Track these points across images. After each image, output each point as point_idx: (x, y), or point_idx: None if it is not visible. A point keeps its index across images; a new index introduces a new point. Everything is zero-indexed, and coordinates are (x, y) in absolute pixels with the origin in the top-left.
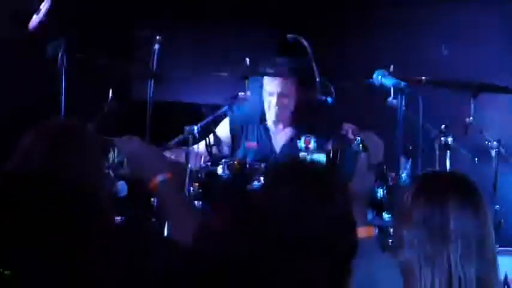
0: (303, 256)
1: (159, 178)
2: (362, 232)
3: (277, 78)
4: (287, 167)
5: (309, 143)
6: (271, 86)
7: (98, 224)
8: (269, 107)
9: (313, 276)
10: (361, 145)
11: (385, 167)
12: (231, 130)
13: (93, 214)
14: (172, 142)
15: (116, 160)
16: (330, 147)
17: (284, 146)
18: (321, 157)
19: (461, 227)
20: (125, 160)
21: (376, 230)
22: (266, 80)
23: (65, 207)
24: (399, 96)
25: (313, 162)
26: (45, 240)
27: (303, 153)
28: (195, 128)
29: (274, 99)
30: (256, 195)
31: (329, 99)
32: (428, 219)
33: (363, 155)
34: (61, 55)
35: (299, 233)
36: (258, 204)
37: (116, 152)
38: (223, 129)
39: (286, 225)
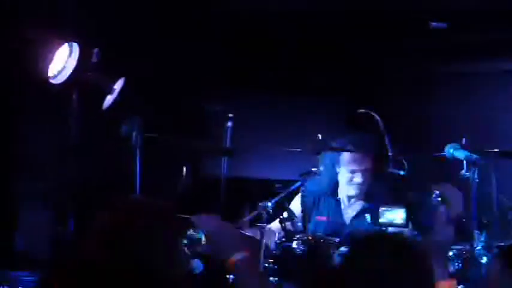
0: None
1: (237, 256)
2: (443, 286)
3: (359, 155)
4: (368, 241)
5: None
6: (353, 164)
7: None
8: (349, 183)
9: None
10: (440, 198)
11: (464, 220)
12: (302, 204)
13: None
14: (247, 218)
15: (193, 238)
16: (409, 200)
17: (353, 220)
18: (401, 211)
19: None
20: (203, 237)
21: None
22: (347, 156)
23: None
24: (472, 169)
25: (393, 234)
26: None
27: (383, 208)
28: (269, 204)
29: (357, 178)
30: (338, 270)
31: (401, 172)
32: None
33: (442, 207)
34: (135, 134)
35: None
36: (342, 279)
37: (193, 229)
38: (295, 204)
39: None
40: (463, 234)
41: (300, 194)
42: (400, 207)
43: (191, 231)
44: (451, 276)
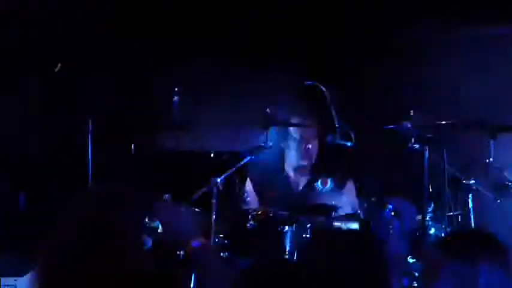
0: None
1: (194, 244)
2: None
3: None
4: (323, 237)
5: (326, 184)
6: (297, 133)
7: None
8: (295, 153)
9: None
10: (393, 212)
11: (417, 233)
12: (254, 186)
13: None
14: (197, 194)
15: (150, 225)
16: (362, 216)
17: (303, 188)
18: (354, 226)
19: (491, 285)
20: (159, 226)
21: None
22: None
23: None
24: (422, 145)
25: (347, 232)
26: None
27: (337, 224)
28: (218, 180)
29: (301, 146)
30: (292, 264)
31: (348, 143)
32: (457, 276)
33: (395, 222)
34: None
35: None
36: (294, 273)
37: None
38: (248, 188)
39: None
40: (417, 248)
41: (248, 180)
42: (354, 222)
43: (147, 220)
44: None
